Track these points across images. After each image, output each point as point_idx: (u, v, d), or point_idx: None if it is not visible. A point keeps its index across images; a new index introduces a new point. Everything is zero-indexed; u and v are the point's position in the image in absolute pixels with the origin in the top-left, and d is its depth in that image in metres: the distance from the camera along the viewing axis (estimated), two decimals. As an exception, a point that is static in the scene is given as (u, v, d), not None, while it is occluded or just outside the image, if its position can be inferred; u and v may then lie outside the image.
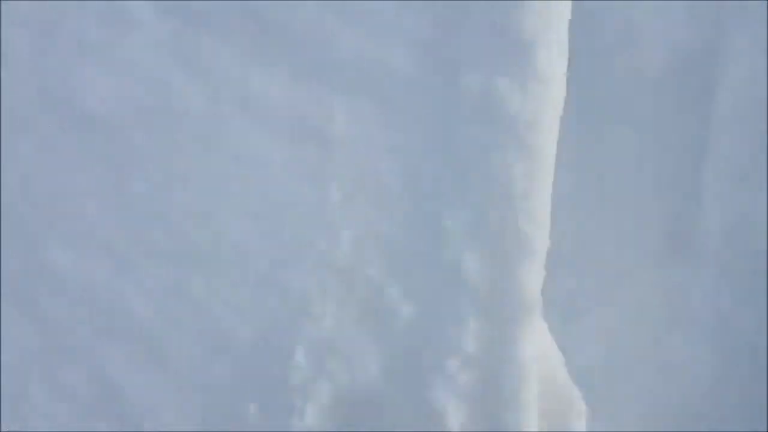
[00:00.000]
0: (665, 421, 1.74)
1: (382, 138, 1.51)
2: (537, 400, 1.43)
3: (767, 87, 1.71)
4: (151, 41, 1.57)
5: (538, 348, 1.46)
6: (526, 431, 1.41)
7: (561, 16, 1.44)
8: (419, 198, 1.48)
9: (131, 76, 1.58)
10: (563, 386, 1.54)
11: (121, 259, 1.54)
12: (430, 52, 1.48)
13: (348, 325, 1.47)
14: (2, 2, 1.57)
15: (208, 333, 1.50)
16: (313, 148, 1.53)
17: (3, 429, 1.47)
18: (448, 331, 1.43)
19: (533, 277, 1.42)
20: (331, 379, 1.44)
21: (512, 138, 1.42)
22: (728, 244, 1.68)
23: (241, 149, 1.56)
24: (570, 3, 1.46)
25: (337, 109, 1.52)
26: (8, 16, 1.58)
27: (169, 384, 1.49)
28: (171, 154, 1.56)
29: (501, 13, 1.42)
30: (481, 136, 1.45)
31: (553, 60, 1.42)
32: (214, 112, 1.56)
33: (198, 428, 1.46)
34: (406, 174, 1.50)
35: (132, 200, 1.55)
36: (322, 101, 1.52)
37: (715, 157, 1.74)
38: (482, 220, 1.43)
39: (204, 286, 1.51)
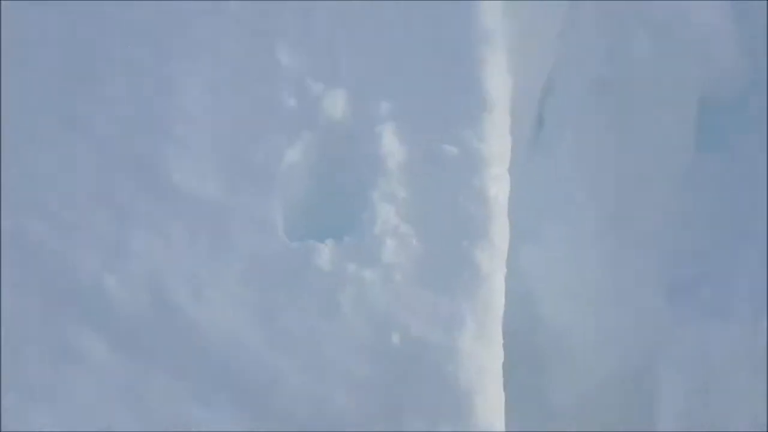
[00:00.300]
0: None
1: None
2: None
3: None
4: (99, 377, 1.58)
5: None
6: None
7: (495, 365, 1.55)
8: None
9: (76, 413, 1.56)
10: None
11: None
12: (374, 396, 1.54)
13: None
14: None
15: None
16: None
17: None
18: None
19: None
20: None
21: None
22: None
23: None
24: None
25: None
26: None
27: None
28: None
29: (437, 364, 1.53)
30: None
31: (490, 409, 1.50)
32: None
33: None
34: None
35: None
36: (269, 436, 1.53)
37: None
38: None
39: None
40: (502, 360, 1.59)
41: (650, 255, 2.08)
